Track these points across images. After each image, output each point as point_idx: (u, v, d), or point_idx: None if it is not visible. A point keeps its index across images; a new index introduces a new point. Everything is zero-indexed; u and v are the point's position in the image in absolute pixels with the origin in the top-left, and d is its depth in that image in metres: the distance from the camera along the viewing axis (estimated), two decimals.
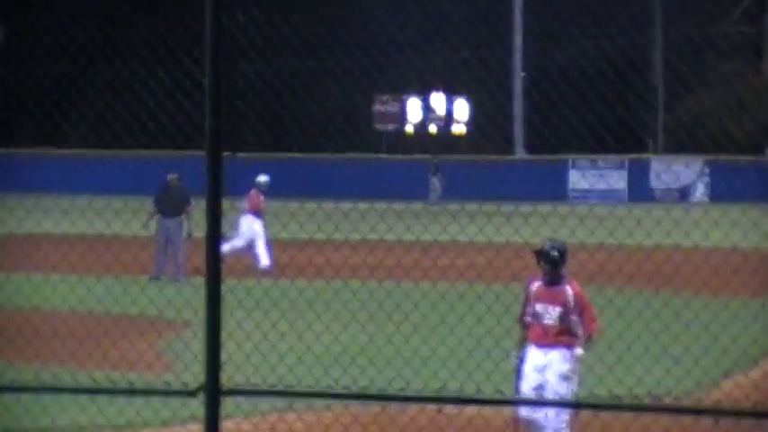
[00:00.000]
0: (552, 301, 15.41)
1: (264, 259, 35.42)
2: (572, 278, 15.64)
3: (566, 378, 15.26)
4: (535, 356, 15.36)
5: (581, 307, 15.36)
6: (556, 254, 15.49)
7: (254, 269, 33.84)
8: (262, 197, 36.67)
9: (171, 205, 34.60)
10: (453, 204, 48.18)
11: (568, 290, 15.41)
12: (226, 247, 35.06)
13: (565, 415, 15.14)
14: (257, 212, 36.11)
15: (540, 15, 61.67)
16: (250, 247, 35.96)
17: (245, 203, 36.08)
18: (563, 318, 15.31)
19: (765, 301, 25.48)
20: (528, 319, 15.43)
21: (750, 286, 25.10)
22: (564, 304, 15.34)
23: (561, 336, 15.32)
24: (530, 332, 15.46)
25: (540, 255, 15.55)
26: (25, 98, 47.62)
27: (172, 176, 35.39)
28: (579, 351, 15.23)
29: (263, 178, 37.19)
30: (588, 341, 15.47)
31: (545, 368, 15.32)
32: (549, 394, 15.13)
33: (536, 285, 15.59)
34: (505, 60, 62.57)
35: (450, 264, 30.40)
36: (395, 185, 49.67)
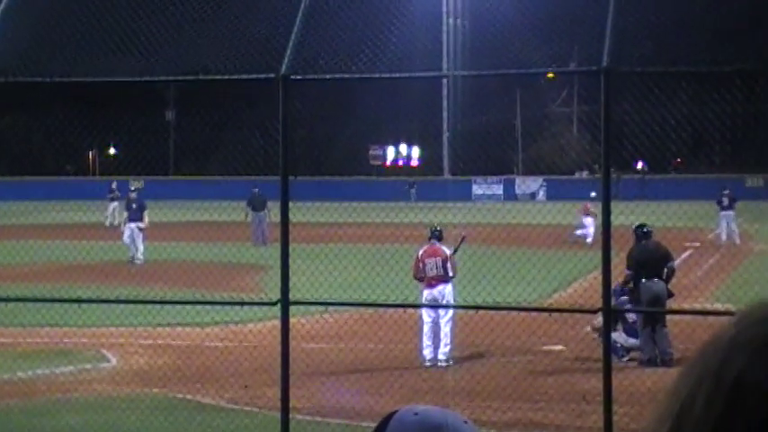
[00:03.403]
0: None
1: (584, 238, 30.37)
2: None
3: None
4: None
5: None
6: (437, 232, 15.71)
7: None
8: (590, 206, 29.68)
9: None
10: (420, 203, 48.38)
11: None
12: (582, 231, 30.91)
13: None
14: (589, 214, 30.29)
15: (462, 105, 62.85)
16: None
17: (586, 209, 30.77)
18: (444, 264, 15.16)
19: (579, 250, 25.86)
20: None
21: (567, 244, 25.36)
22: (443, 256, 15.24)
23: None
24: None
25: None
26: None
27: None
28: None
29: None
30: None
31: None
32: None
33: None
34: (439, 127, 63.43)
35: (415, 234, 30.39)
36: (382, 195, 50.17)
